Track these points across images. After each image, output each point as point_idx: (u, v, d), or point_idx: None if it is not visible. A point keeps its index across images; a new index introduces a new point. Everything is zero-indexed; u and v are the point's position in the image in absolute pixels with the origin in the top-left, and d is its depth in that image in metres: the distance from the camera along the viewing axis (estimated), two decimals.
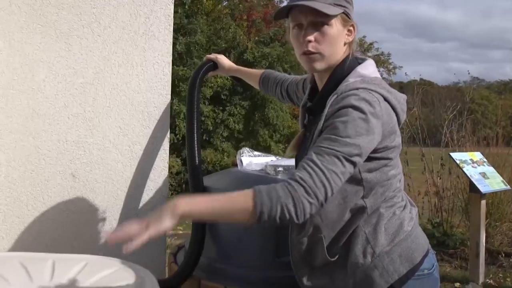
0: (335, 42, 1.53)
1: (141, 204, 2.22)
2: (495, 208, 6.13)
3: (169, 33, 2.24)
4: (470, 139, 7.50)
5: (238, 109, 13.32)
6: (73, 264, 1.66)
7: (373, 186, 1.51)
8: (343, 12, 1.52)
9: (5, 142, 2.09)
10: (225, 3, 16.67)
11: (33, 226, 2.12)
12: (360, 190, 1.50)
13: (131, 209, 2.21)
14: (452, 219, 6.41)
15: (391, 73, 27.40)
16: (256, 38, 14.45)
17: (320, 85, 1.63)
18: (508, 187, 4.93)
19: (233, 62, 2.26)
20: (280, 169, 2.01)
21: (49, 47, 2.12)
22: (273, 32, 14.36)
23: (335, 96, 1.47)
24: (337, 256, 1.54)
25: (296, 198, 1.29)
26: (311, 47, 1.51)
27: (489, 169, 4.75)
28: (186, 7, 13.23)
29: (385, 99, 1.47)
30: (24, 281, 1.51)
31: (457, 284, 4.79)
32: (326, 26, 1.51)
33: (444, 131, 7.31)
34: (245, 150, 2.18)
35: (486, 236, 5.95)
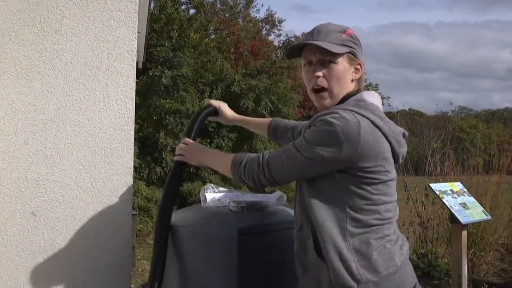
0: (342, 78, 1.66)
1: (104, 243, 2.17)
2: (480, 237, 6.09)
3: (132, 68, 2.23)
4: (454, 168, 7.51)
5: (225, 141, 13.29)
6: None
7: (356, 202, 1.55)
8: (349, 52, 1.66)
9: None
10: (212, 36, 16.83)
11: None
12: (344, 198, 1.56)
13: (95, 248, 2.16)
14: (437, 249, 6.36)
15: None
16: (243, 70, 14.55)
17: None
18: (489, 217, 4.90)
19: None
20: (244, 205, 1.97)
21: (9, 83, 2.10)
22: (260, 65, 14.47)
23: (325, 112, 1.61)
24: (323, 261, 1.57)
25: (249, 168, 1.66)
26: (319, 82, 1.67)
27: (470, 199, 4.72)
28: (173, 40, 13.34)
29: (375, 124, 1.55)
30: None
31: None
32: (333, 64, 1.65)
33: (428, 161, 7.32)
34: (210, 186, 2.14)
35: (471, 266, 5.91)
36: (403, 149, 1.65)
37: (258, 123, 2.28)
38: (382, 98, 26.73)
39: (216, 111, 2.19)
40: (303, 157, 1.55)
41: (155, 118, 12.42)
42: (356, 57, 1.68)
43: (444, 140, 8.29)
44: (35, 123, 2.12)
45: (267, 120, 2.25)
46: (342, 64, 1.66)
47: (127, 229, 2.19)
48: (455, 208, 4.42)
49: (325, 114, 1.56)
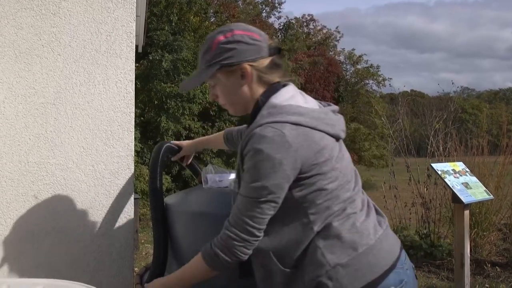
0: (229, 93, 1.62)
1: (106, 225, 2.18)
2: (483, 217, 6.11)
3: (131, 50, 2.22)
4: (457, 148, 7.50)
5: (227, 124, 13.31)
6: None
7: (311, 202, 1.50)
8: (219, 68, 1.57)
9: None
10: (212, 20, 16.75)
11: None
12: (298, 208, 1.51)
13: (96, 231, 2.17)
14: (439, 229, 6.38)
15: (380, 85, 27.45)
16: None
17: None
18: (491, 196, 4.89)
19: None
20: None
21: (8, 67, 2.09)
22: None
23: (246, 133, 1.52)
24: (290, 269, 1.53)
25: (229, 248, 1.50)
26: (218, 101, 1.68)
27: (472, 179, 4.71)
28: (173, 24, 13.28)
29: (297, 124, 1.48)
30: None
31: None
32: (215, 86, 1.64)
33: (430, 141, 7.31)
34: (211, 168, 2.14)
35: (474, 246, 5.92)
36: (338, 127, 1.59)
37: (215, 139, 2.21)
38: (384, 80, 26.52)
39: (178, 149, 2.13)
40: (261, 199, 1.46)
41: (156, 102, 12.42)
42: (234, 63, 1.57)
43: (446, 121, 8.27)
44: (35, 106, 2.12)
45: (221, 132, 2.18)
46: (220, 81, 1.61)
47: (129, 211, 2.20)
48: (457, 188, 4.41)
49: (249, 139, 1.48)
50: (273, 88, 1.59)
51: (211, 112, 13.40)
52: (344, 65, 26.11)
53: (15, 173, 2.10)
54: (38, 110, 2.12)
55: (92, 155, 2.16)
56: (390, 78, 41.10)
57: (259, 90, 1.60)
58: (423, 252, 6.03)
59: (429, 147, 7.24)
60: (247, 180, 1.48)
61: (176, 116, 12.26)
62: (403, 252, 1.64)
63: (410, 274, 1.61)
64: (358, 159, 18.56)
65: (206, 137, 2.30)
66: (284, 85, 1.61)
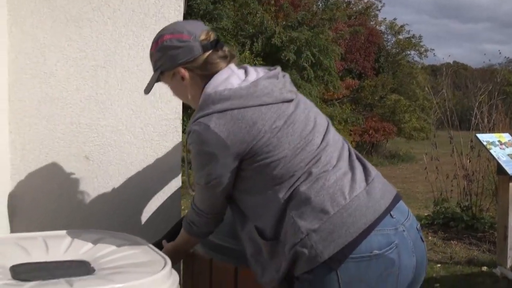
0: (178, 92, 1.71)
1: (155, 185, 2.23)
2: None
3: (180, 14, 2.23)
4: (503, 120, 7.33)
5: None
6: (87, 239, 1.77)
7: (268, 174, 1.50)
8: (161, 73, 1.65)
9: (19, 126, 2.13)
10: None
11: (49, 207, 2.16)
12: (260, 182, 1.52)
13: (145, 191, 2.23)
14: (481, 202, 6.28)
15: (422, 56, 26.83)
16: (284, 22, 14.32)
17: None
18: None
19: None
20: None
21: (60, 31, 2.14)
22: (301, 16, 14.21)
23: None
24: (271, 241, 1.53)
25: (194, 223, 1.71)
26: None
27: None
28: None
29: (223, 111, 1.48)
30: (41, 254, 1.64)
31: (485, 268, 4.70)
32: (168, 86, 1.72)
33: (474, 113, 7.16)
34: None
35: None
36: (278, 92, 1.53)
37: None
38: (425, 51, 25.86)
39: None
40: (208, 184, 1.57)
41: None
42: (169, 68, 1.63)
43: (491, 93, 8.08)
44: (86, 69, 2.16)
45: None
46: (167, 83, 1.70)
47: (177, 172, 2.25)
48: (503, 159, 4.34)
49: (187, 135, 1.56)
50: (209, 78, 1.59)
51: None
52: (385, 36, 25.60)
53: (67, 135, 2.17)
54: (89, 73, 2.17)
55: (141, 117, 2.21)
56: (433, 49, 40.09)
57: (203, 83, 1.60)
58: (464, 224, 5.98)
59: (473, 118, 7.10)
60: (193, 169, 1.61)
61: None
62: (401, 211, 1.56)
63: (407, 236, 1.51)
64: (397, 131, 18.30)
65: None
66: (220, 69, 1.60)
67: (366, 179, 1.54)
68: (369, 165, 1.60)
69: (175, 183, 2.26)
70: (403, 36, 25.39)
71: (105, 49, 2.17)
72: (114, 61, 2.18)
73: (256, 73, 1.61)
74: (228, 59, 1.62)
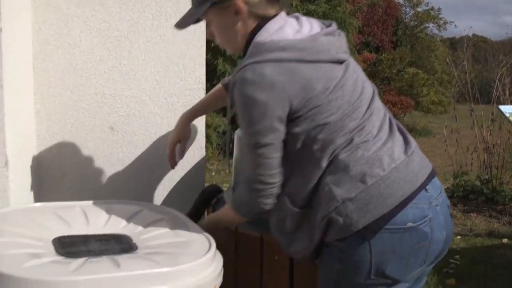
0: (224, 31, 1.57)
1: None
2: None
3: None
4: None
5: None
6: (125, 212, 1.77)
7: (313, 138, 1.45)
8: (210, 5, 1.50)
9: (44, 97, 2.14)
10: None
11: (74, 177, 2.19)
12: (302, 146, 1.47)
13: None
14: (501, 175, 6.24)
15: (441, 28, 26.41)
16: None
17: None
18: None
19: None
20: None
21: (83, 1, 2.13)
22: None
23: (233, 77, 1.47)
24: (302, 209, 1.50)
25: (248, 203, 1.56)
26: (216, 41, 1.62)
27: None
28: None
29: (279, 61, 1.41)
30: (82, 226, 1.65)
31: (505, 240, 4.69)
32: (210, 24, 1.59)
33: (496, 85, 7.06)
34: None
35: None
36: (334, 51, 1.47)
37: (213, 97, 2.04)
38: (444, 23, 25.43)
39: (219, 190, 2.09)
40: (260, 143, 1.44)
41: (212, 45, 12.40)
42: (225, 0, 1.49)
43: (511, 65, 7.94)
44: (109, 40, 2.16)
45: (217, 87, 2.03)
46: (214, 20, 1.56)
47: (201, 143, 2.25)
48: None
49: (234, 84, 1.44)
50: (261, 24, 1.50)
51: None
52: (404, 8, 25.22)
53: (92, 105, 2.18)
54: (112, 43, 2.16)
55: (165, 87, 2.21)
56: (452, 22, 39.37)
57: (252, 26, 1.52)
58: (484, 197, 5.95)
59: (494, 91, 7.00)
60: (242, 127, 1.48)
61: (233, 59, 12.24)
62: (435, 186, 1.53)
63: (440, 211, 1.50)
64: (415, 104, 18.15)
65: (200, 101, 2.09)
66: (274, 17, 1.51)
67: (406, 151, 1.50)
68: (410, 137, 1.56)
69: (199, 153, 2.26)
70: (422, 8, 24.99)
71: (129, 19, 2.16)
72: (137, 32, 2.17)
73: (309, 24, 1.53)
74: (280, 5, 1.54)
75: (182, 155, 2.02)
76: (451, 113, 7.66)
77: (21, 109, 2.02)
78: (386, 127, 1.53)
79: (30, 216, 1.68)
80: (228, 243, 1.93)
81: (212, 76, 12.68)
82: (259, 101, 1.40)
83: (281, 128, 1.44)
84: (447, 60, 9.67)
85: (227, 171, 8.12)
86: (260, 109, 1.41)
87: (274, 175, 1.48)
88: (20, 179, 1.98)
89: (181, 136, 2.02)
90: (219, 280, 1.48)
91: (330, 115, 1.44)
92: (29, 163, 2.11)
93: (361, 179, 1.43)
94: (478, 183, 6.24)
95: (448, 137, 6.94)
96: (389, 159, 1.46)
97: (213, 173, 8.56)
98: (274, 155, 1.46)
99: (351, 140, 1.45)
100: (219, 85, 2.01)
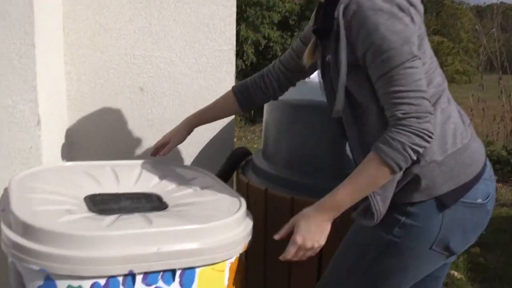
0: None
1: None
2: None
3: None
4: None
5: None
6: (155, 171, 1.78)
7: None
8: None
9: (74, 57, 2.14)
10: None
11: (104, 138, 2.20)
12: None
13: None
14: None
15: None
16: None
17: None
18: None
19: None
20: None
21: None
22: None
23: (343, 4, 1.28)
24: None
25: (417, 130, 1.24)
26: None
27: None
28: None
29: None
30: (112, 185, 1.65)
31: None
32: None
33: None
34: None
35: None
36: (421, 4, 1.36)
37: (220, 106, 1.87)
38: None
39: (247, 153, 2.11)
40: (408, 58, 1.25)
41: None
42: None
43: None
44: (139, 0, 2.14)
45: (227, 94, 1.85)
46: None
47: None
48: None
49: (353, 11, 1.26)
50: None
51: (291, 22, 13.11)
52: None
53: (122, 66, 2.17)
54: (142, 3, 2.14)
55: (194, 48, 2.18)
56: None
57: None
58: (510, 167, 5.86)
59: None
60: (381, 51, 1.25)
61: (255, 24, 12.11)
62: (488, 161, 1.49)
63: (495, 187, 1.47)
64: None
65: (206, 107, 1.89)
66: None
67: (466, 122, 1.46)
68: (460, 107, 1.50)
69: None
70: None
71: None
72: None
73: None
74: None
75: (166, 153, 1.89)
76: (477, 82, 7.51)
77: (51, 69, 2.02)
78: (451, 98, 1.46)
79: (61, 174, 1.70)
80: (258, 204, 1.93)
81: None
82: (396, 13, 1.25)
83: (416, 43, 1.29)
84: (477, 27, 9.42)
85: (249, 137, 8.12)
86: (401, 20, 1.25)
87: (427, 93, 1.29)
88: (52, 138, 2.00)
89: (173, 138, 1.89)
90: (249, 239, 1.48)
91: (427, 59, 1.36)
92: (60, 123, 2.12)
93: (449, 142, 1.37)
94: (504, 153, 6.14)
95: (474, 107, 6.82)
96: (464, 129, 1.42)
97: (235, 140, 8.56)
98: (422, 70, 1.29)
99: (438, 98, 1.38)
100: (227, 93, 1.85)
